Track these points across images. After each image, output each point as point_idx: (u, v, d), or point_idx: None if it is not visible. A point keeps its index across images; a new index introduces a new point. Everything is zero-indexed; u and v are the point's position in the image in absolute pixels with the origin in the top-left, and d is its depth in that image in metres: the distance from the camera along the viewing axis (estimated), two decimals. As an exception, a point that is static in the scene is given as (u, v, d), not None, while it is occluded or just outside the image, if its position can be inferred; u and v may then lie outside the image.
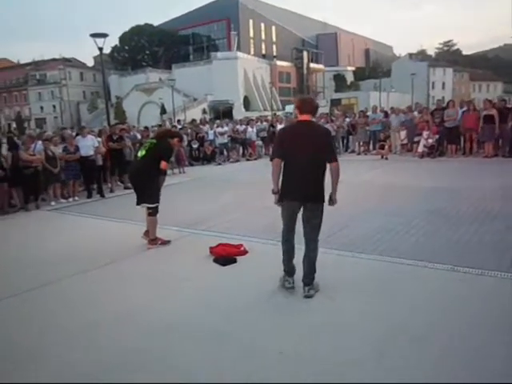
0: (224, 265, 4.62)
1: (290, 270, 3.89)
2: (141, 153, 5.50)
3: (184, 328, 3.36)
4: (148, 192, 5.38)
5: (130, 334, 3.29)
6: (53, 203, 9.02)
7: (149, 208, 5.40)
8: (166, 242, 5.55)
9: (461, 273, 4.07)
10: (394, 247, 4.90)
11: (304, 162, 3.59)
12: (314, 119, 3.88)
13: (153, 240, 5.51)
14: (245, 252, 4.93)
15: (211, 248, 4.99)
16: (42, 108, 68.65)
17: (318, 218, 3.69)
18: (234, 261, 4.71)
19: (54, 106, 67.49)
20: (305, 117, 3.69)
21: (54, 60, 69.92)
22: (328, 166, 3.68)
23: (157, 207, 5.44)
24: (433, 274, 4.12)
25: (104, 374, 2.77)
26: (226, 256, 4.78)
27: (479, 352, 2.79)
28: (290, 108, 34.94)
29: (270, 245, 5.06)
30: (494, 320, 3.19)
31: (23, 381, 2.76)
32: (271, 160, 3.79)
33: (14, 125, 60.89)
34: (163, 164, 5.34)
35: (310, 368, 2.72)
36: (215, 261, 4.75)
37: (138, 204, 5.51)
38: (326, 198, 3.71)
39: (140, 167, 5.47)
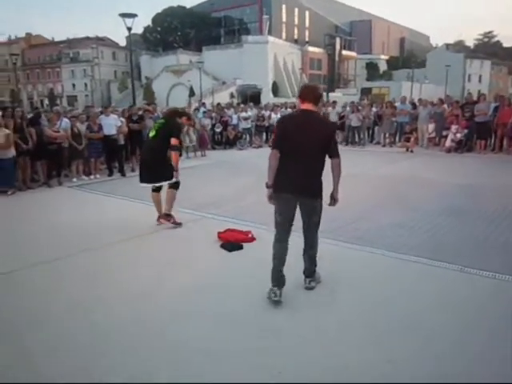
0: (230, 251, 4.64)
1: (278, 280, 3.43)
2: (152, 133, 5.57)
3: (180, 309, 3.40)
4: (164, 170, 5.45)
5: (130, 310, 3.37)
6: (74, 180, 9.24)
7: (170, 182, 5.48)
8: (177, 224, 5.61)
9: (469, 274, 3.95)
10: (404, 243, 4.80)
11: (302, 153, 3.35)
12: (316, 109, 3.52)
13: (167, 215, 5.57)
14: (252, 239, 4.94)
15: (219, 233, 5.02)
16: (73, 85, 69.87)
17: (316, 215, 3.51)
18: (241, 247, 4.72)
19: (86, 84, 68.53)
20: (306, 105, 3.41)
21: (87, 38, 70.87)
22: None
23: (178, 182, 5.51)
24: (438, 272, 4.02)
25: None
26: (232, 242, 4.79)
27: (476, 355, 2.72)
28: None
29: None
30: (493, 324, 3.10)
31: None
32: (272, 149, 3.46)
33: (46, 101, 62.37)
34: (173, 140, 5.37)
35: (303, 357, 2.72)
36: (222, 246, 4.77)
37: (155, 182, 5.55)
38: (326, 195, 3.49)
39: (153, 147, 5.51)
